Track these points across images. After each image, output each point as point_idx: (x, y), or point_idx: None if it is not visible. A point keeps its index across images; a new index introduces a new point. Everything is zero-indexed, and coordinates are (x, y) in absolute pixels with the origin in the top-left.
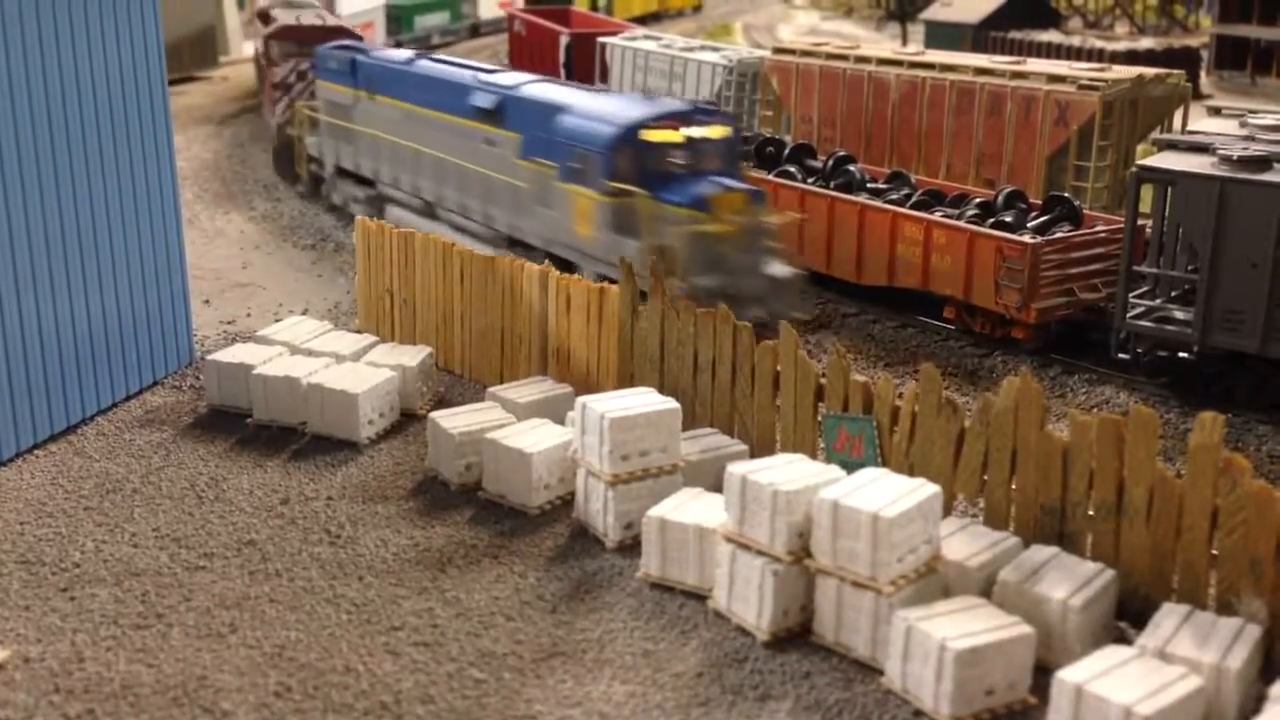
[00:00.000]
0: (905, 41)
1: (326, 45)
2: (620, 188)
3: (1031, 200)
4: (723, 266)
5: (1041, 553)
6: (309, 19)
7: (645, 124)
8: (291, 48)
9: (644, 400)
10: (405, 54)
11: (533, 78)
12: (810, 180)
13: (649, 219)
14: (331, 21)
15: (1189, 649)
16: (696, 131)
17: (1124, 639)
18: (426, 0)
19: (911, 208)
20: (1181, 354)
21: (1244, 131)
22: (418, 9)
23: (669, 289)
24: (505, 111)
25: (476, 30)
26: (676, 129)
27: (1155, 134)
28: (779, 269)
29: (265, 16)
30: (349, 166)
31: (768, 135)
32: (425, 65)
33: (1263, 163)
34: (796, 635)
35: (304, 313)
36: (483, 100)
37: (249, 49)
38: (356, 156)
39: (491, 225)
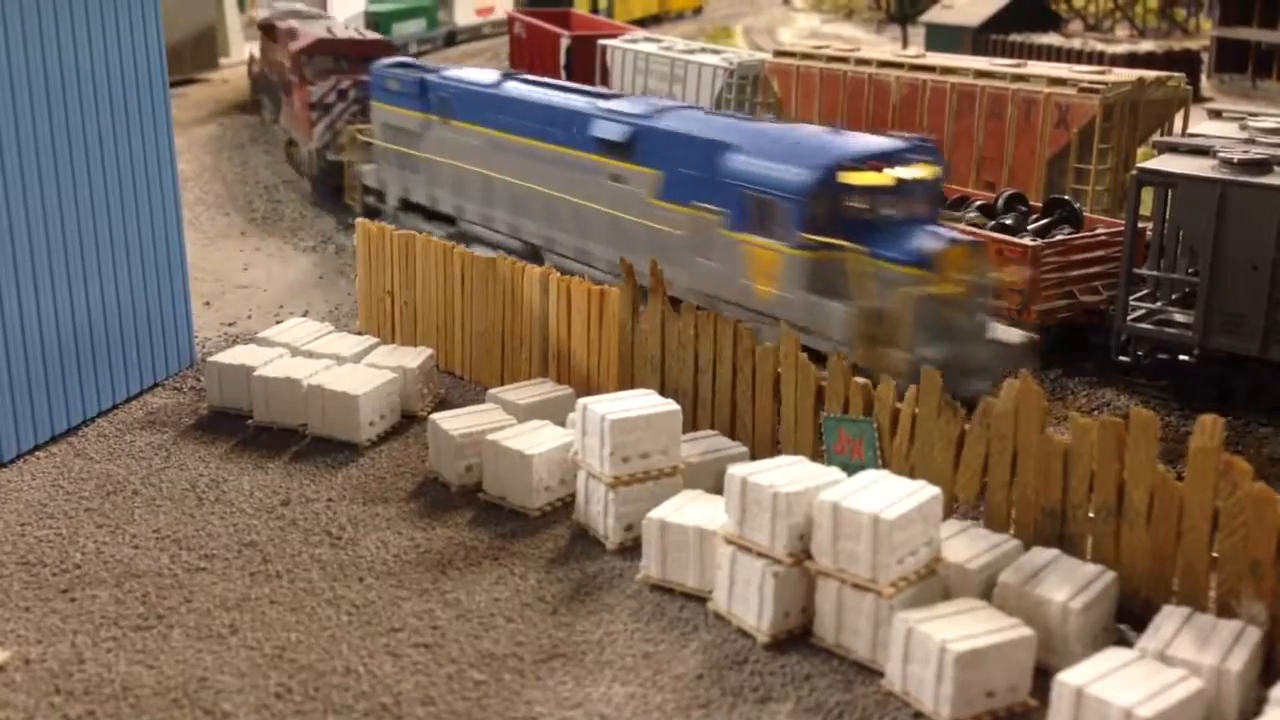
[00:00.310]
0: (906, 44)
1: (383, 63)
2: (819, 240)
3: (1032, 203)
4: (950, 333)
5: (1042, 555)
6: (341, 31)
7: (846, 164)
8: (328, 63)
9: (644, 402)
10: (489, 74)
11: (669, 104)
12: None
13: (861, 278)
14: (370, 34)
15: (1189, 651)
16: (907, 173)
17: (1124, 641)
18: (403, 8)
19: None
20: (1182, 356)
21: (1244, 134)
22: (395, 16)
23: (886, 361)
24: (639, 145)
25: (453, 38)
26: (880, 169)
27: (1156, 137)
28: (1011, 334)
29: (269, 29)
30: (421, 200)
31: None
32: (519, 88)
33: (1263, 166)
34: (797, 637)
35: (305, 314)
36: (608, 131)
37: (250, 51)
38: (431, 189)
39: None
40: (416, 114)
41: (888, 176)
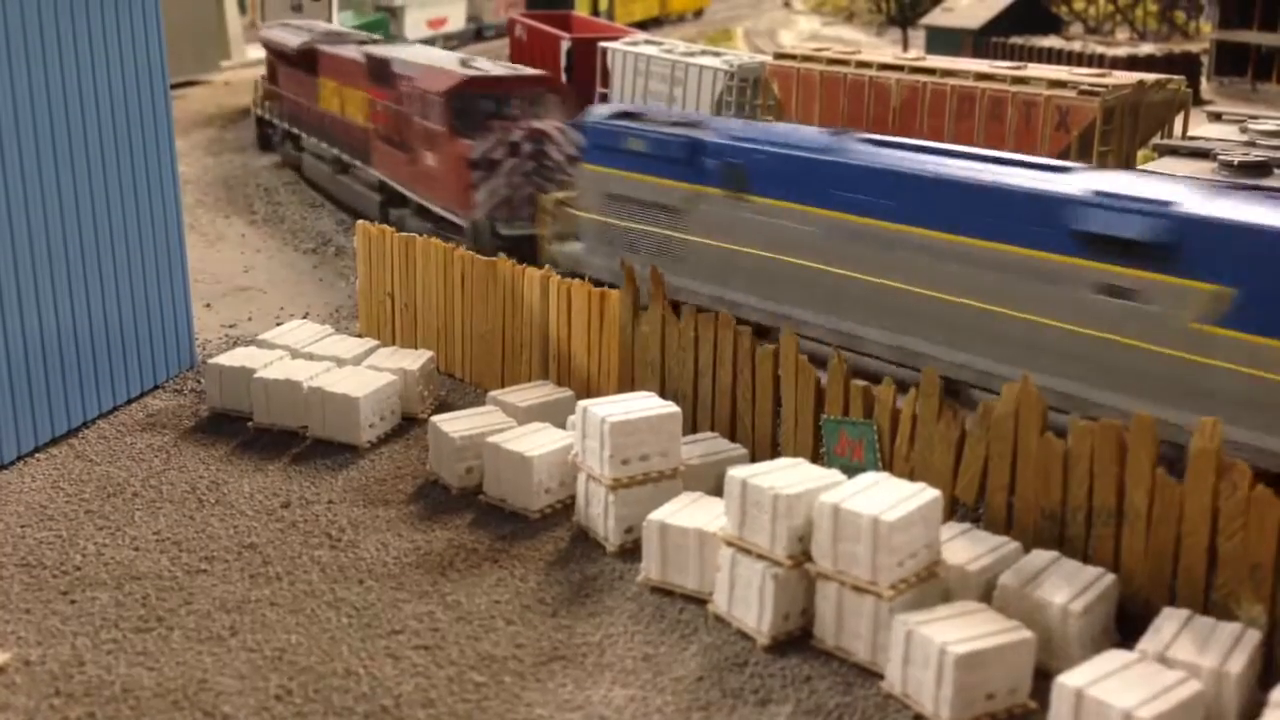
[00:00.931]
0: (906, 47)
1: (601, 113)
2: None
3: None
4: None
5: (1042, 557)
6: (482, 64)
7: None
8: (486, 107)
9: (644, 404)
10: (808, 133)
11: (1196, 181)
12: None
13: None
14: (521, 68)
15: (1189, 654)
16: None
17: (1124, 644)
18: (361, 23)
19: None
20: None
21: (1244, 137)
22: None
23: None
24: (1183, 246)
25: None
26: None
27: (1156, 139)
28: None
29: (310, 54)
30: (698, 302)
31: None
32: (891, 157)
33: (1263, 168)
34: (797, 639)
35: (305, 316)
36: (1113, 224)
37: (251, 53)
38: (716, 286)
39: (1166, 435)
40: (677, 184)
41: None
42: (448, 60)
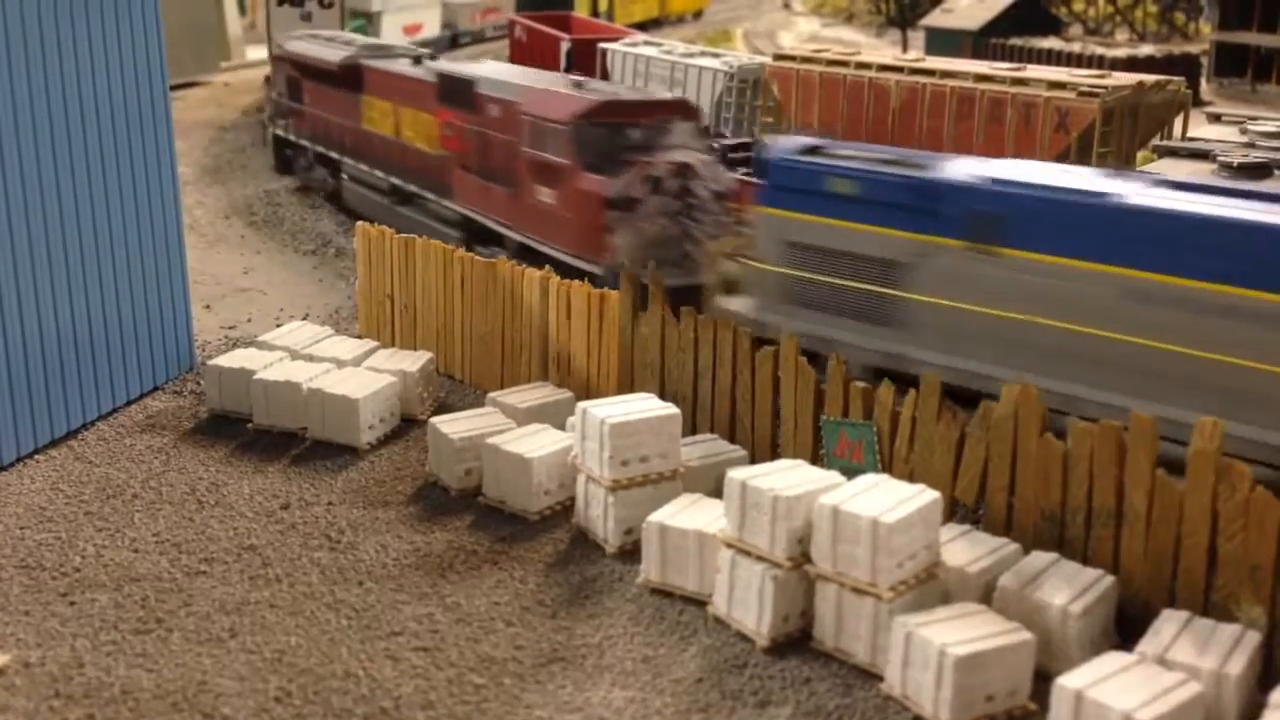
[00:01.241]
0: (906, 48)
1: (784, 148)
2: None
3: None
4: None
5: (1041, 559)
6: (598, 85)
7: None
8: (620, 138)
9: (644, 405)
10: (1079, 173)
11: None
12: None
13: None
14: (658, 92)
15: (1189, 655)
16: None
17: (1123, 645)
18: (348, 28)
19: None
20: None
21: (1244, 138)
22: None
23: None
24: None
25: None
26: None
27: (1155, 141)
28: None
29: (354, 70)
30: (931, 373)
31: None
32: (1203, 202)
33: (1263, 169)
34: (796, 641)
35: (305, 318)
36: None
37: (250, 55)
38: (958, 356)
39: None
40: (898, 233)
41: None
42: (555, 81)
